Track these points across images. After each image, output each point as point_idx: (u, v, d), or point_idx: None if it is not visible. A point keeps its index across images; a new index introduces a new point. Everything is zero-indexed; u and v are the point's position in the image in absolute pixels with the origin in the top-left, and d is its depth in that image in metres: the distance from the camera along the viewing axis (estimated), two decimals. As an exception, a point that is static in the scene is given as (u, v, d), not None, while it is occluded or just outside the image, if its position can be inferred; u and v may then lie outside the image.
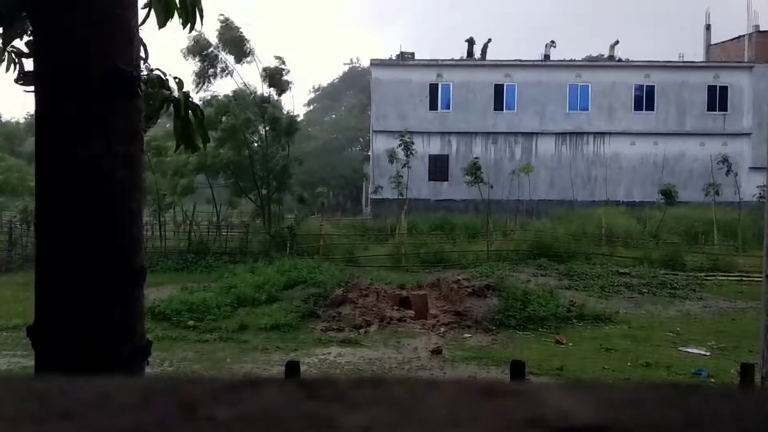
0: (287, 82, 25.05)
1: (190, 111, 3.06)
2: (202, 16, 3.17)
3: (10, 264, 20.97)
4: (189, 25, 3.11)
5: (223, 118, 23.26)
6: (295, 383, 0.50)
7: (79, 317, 1.90)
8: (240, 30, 23.87)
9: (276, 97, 25.20)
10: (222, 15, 23.79)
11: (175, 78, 3.21)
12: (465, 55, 35.68)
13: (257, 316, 12.86)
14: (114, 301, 1.94)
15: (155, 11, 2.93)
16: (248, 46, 23.95)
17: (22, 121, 46.43)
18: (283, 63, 24.81)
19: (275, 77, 24.61)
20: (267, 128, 24.82)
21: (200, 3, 3.14)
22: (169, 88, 3.10)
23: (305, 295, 14.03)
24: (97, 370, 1.90)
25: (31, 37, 3.14)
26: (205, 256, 21.08)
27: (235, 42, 23.76)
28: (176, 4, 3.05)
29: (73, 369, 1.87)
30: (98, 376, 0.55)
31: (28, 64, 3.24)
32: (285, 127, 24.46)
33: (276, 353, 10.63)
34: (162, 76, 3.03)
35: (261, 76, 24.73)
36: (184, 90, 3.14)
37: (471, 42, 35.62)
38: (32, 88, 3.07)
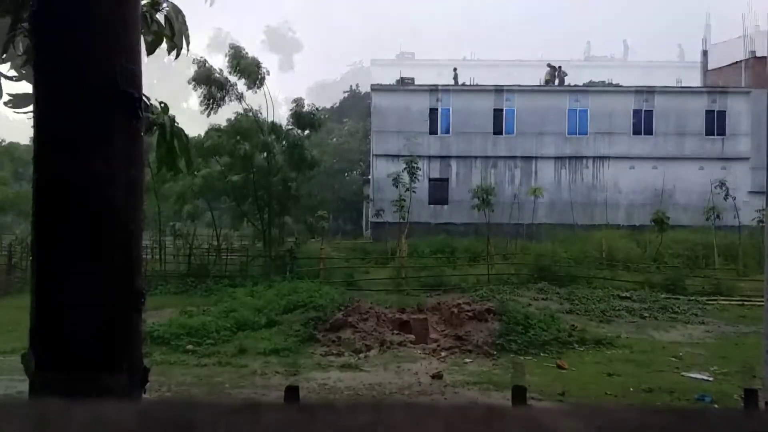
0: (317, 122, 25.39)
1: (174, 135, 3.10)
2: (188, 43, 3.23)
3: (10, 287, 20.90)
4: (175, 52, 3.17)
5: (238, 139, 23.12)
6: (295, 408, 0.50)
7: (75, 342, 1.88)
8: (252, 58, 24.00)
9: (301, 133, 25.26)
10: (233, 43, 24.07)
11: (160, 103, 3.26)
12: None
13: (256, 340, 12.77)
14: (112, 325, 1.92)
15: (145, 39, 2.98)
16: (261, 73, 24.07)
17: (24, 142, 46.62)
18: (316, 110, 25.36)
19: (304, 117, 24.75)
20: (282, 155, 24.84)
21: (187, 30, 3.21)
22: (152, 112, 3.14)
23: (305, 319, 13.95)
24: (93, 396, 1.88)
25: (18, 61, 3.19)
26: (205, 279, 21.01)
27: (247, 69, 23.84)
28: (165, 31, 3.11)
29: (68, 395, 1.84)
30: (96, 401, 0.54)
31: (14, 87, 3.28)
32: (308, 162, 24.62)
33: (275, 378, 10.53)
34: (146, 100, 3.06)
35: (290, 114, 25.01)
36: (170, 114, 3.19)
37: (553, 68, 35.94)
38: (22, 109, 3.11)
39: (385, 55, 35.98)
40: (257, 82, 23.95)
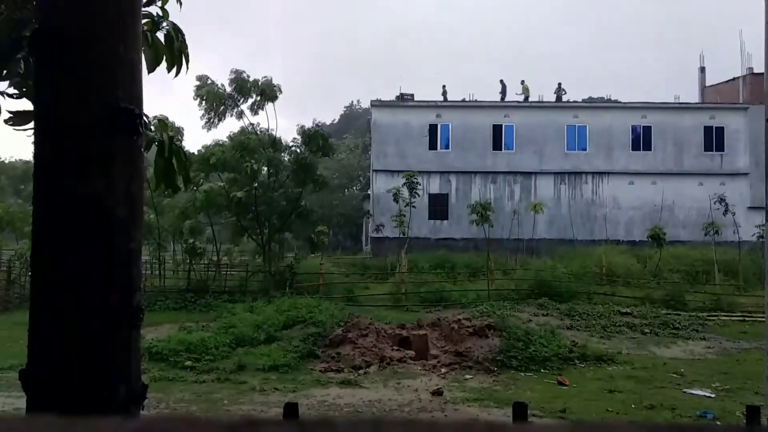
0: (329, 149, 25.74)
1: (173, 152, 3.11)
2: (188, 62, 3.26)
3: (8, 303, 20.84)
4: (175, 70, 3.20)
5: (242, 155, 23.15)
6: (294, 425, 0.49)
7: (74, 358, 1.87)
8: (257, 81, 24.15)
9: (308, 153, 25.14)
10: (235, 68, 24.29)
11: (160, 120, 3.28)
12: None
13: (255, 357, 12.71)
14: (110, 341, 1.91)
15: (145, 57, 3.00)
16: (274, 91, 24.20)
17: (22, 160, 46.80)
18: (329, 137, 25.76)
19: (316, 141, 24.80)
20: (285, 171, 24.85)
21: (187, 49, 3.24)
22: (150, 129, 3.16)
23: (304, 335, 13.89)
24: (90, 413, 1.86)
25: (17, 79, 3.20)
26: (204, 294, 20.94)
27: (267, 91, 24.02)
28: (164, 49, 3.13)
29: (66, 413, 1.82)
30: (94, 418, 0.54)
31: (13, 105, 3.29)
32: (317, 181, 24.67)
33: (274, 394, 10.47)
34: (145, 117, 3.07)
35: (298, 133, 25.14)
36: (171, 133, 3.20)
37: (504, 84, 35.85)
38: (22, 127, 3.12)
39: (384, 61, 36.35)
40: (269, 101, 24.15)
